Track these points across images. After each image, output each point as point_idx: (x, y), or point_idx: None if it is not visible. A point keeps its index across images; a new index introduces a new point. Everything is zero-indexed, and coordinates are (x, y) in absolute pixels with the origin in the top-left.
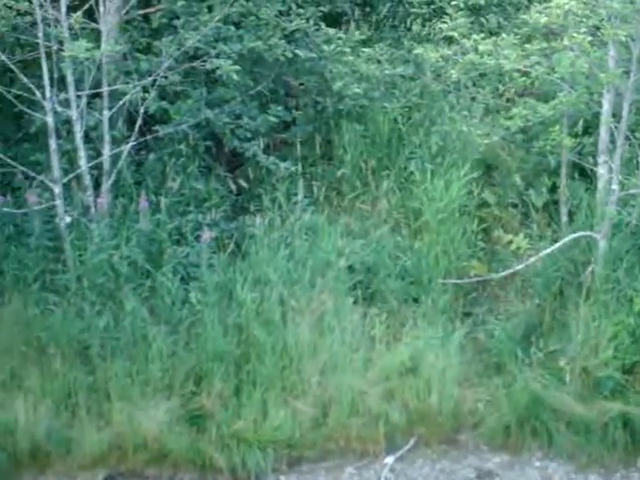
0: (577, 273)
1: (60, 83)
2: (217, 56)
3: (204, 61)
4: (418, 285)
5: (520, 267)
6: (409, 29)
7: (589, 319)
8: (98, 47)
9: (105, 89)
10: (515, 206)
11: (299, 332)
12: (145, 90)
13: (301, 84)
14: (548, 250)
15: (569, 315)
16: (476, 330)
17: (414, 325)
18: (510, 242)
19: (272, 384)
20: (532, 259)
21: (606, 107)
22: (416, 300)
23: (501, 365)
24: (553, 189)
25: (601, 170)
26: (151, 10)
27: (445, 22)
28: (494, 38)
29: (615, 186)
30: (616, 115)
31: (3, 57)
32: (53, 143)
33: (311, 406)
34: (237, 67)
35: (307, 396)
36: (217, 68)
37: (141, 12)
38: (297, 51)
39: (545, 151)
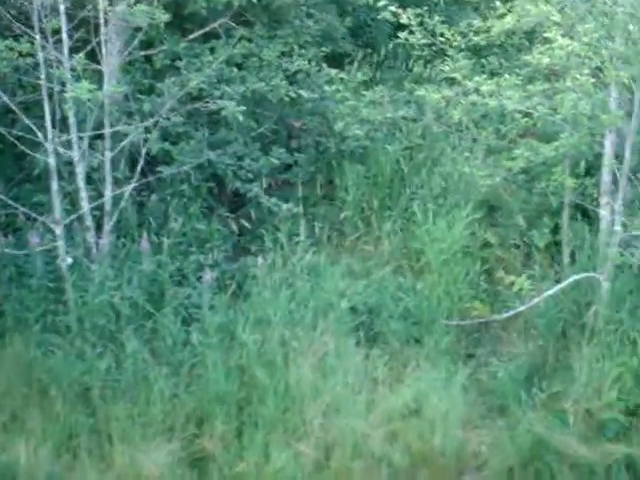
0: (580, 314)
1: (62, 124)
2: (220, 97)
3: (207, 102)
4: (420, 326)
5: (523, 308)
6: (410, 70)
7: (592, 361)
8: (100, 88)
9: (107, 130)
10: (517, 247)
11: (301, 373)
12: (147, 131)
13: (303, 124)
14: (551, 291)
15: (572, 356)
16: (479, 371)
17: (417, 366)
18: (512, 283)
19: (274, 426)
20: (535, 300)
21: (608, 149)
22: (418, 341)
23: (504, 407)
24: (555, 230)
25: (603, 211)
26: (153, 51)
27: (447, 64)
28: (496, 79)
29: (618, 227)
30: (618, 157)
31: (5, 98)
32: (55, 184)
33: (313, 448)
34: (243, 108)
35: (309, 438)
36: (220, 109)
37: (143, 53)
38: (300, 91)
39: (547, 192)
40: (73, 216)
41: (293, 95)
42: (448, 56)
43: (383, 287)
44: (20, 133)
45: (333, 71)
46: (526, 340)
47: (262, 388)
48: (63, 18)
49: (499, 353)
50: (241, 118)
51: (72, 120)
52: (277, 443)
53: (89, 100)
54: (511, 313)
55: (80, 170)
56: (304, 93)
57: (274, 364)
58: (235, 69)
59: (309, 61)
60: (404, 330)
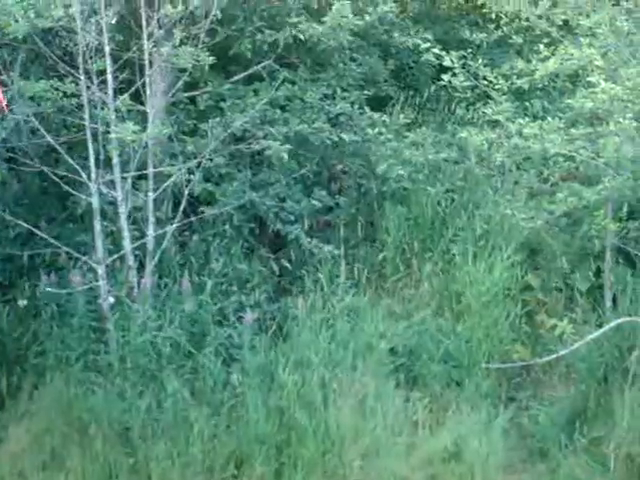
0: (622, 359)
1: (106, 164)
2: (264, 138)
3: (250, 143)
4: (461, 369)
5: (564, 352)
6: (453, 113)
7: (634, 405)
8: (144, 129)
9: (150, 171)
10: (559, 290)
11: (341, 415)
12: (190, 172)
13: (345, 167)
14: (593, 335)
15: (614, 401)
16: (520, 415)
17: (457, 410)
18: (554, 326)
19: (313, 468)
20: (576, 344)
21: None
22: (459, 384)
23: (545, 451)
24: (598, 273)
25: None
26: (197, 93)
27: (490, 107)
28: (539, 122)
29: None
30: None
31: (49, 138)
32: (98, 224)
33: None
34: (288, 146)
35: None
36: (263, 150)
37: (187, 95)
38: (342, 135)
39: (589, 235)
40: (115, 256)
41: (335, 138)
42: (491, 99)
43: (423, 329)
44: (64, 173)
45: (375, 114)
46: (567, 384)
47: (302, 429)
48: (108, 59)
49: (540, 397)
50: (286, 158)
51: (116, 160)
52: None
53: (133, 141)
54: (552, 357)
55: (123, 210)
56: (346, 136)
57: (314, 405)
58: (278, 111)
59: (352, 104)
60: (444, 373)
